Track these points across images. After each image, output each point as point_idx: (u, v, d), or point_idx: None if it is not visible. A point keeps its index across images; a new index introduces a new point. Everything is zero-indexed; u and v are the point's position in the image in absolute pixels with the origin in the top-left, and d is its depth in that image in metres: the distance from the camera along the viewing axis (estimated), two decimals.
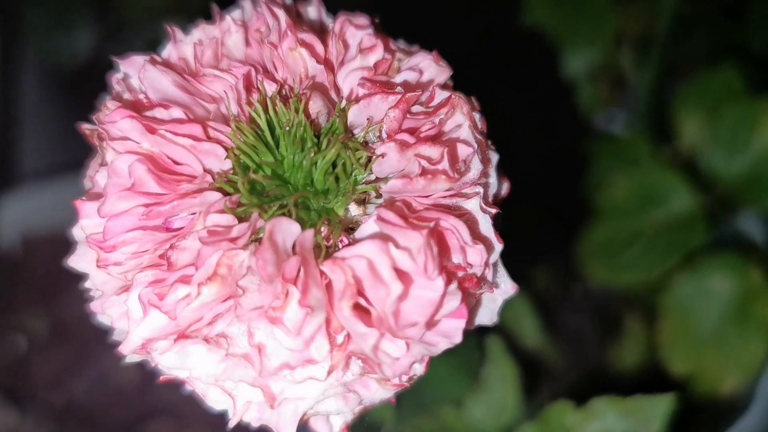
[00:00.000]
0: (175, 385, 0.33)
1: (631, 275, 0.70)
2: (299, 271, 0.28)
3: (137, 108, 0.31)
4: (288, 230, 0.29)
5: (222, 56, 0.33)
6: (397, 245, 0.28)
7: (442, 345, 0.30)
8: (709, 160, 0.72)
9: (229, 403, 0.30)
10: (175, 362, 0.29)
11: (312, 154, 0.30)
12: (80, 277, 0.33)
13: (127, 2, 0.79)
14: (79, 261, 0.32)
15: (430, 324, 0.29)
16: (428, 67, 0.33)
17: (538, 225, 0.80)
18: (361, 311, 0.29)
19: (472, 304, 0.32)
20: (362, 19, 0.34)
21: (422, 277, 0.29)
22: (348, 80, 0.32)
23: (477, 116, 0.32)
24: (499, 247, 0.31)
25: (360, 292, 0.29)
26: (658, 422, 0.45)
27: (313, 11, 0.35)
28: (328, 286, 0.29)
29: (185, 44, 0.33)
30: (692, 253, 0.68)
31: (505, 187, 0.34)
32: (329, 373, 0.29)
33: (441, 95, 0.32)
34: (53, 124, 0.85)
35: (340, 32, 0.33)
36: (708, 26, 0.81)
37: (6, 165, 0.86)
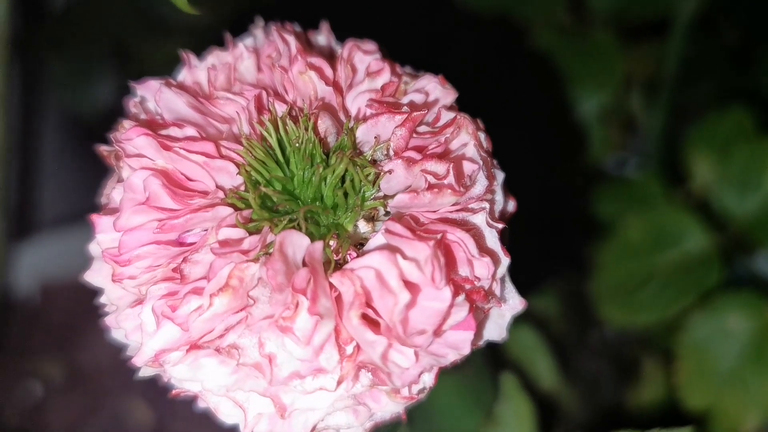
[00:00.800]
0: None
1: (647, 315, 0.70)
2: (309, 281, 0.29)
3: (152, 127, 0.32)
4: (298, 243, 0.29)
5: (234, 80, 0.34)
6: (404, 256, 0.29)
7: (451, 356, 0.30)
8: (721, 200, 0.72)
9: (241, 416, 0.31)
10: (186, 374, 0.30)
11: (321, 170, 0.31)
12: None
13: (149, 52, 0.81)
14: (95, 276, 0.32)
15: (438, 333, 0.29)
16: (434, 90, 0.34)
17: (546, 258, 0.80)
18: (370, 322, 0.29)
19: (480, 317, 0.32)
20: (370, 45, 0.35)
21: (430, 287, 0.29)
22: (356, 102, 0.33)
23: (482, 136, 0.33)
24: (506, 261, 0.32)
25: (368, 304, 0.29)
26: None
27: (322, 38, 0.36)
28: (338, 299, 0.29)
29: (199, 69, 0.34)
30: (708, 293, 0.68)
31: (512, 205, 0.34)
32: (339, 383, 0.29)
33: (447, 116, 0.33)
34: (73, 173, 0.86)
35: (348, 57, 0.34)
36: (716, 70, 0.82)
37: (25, 213, 0.87)
